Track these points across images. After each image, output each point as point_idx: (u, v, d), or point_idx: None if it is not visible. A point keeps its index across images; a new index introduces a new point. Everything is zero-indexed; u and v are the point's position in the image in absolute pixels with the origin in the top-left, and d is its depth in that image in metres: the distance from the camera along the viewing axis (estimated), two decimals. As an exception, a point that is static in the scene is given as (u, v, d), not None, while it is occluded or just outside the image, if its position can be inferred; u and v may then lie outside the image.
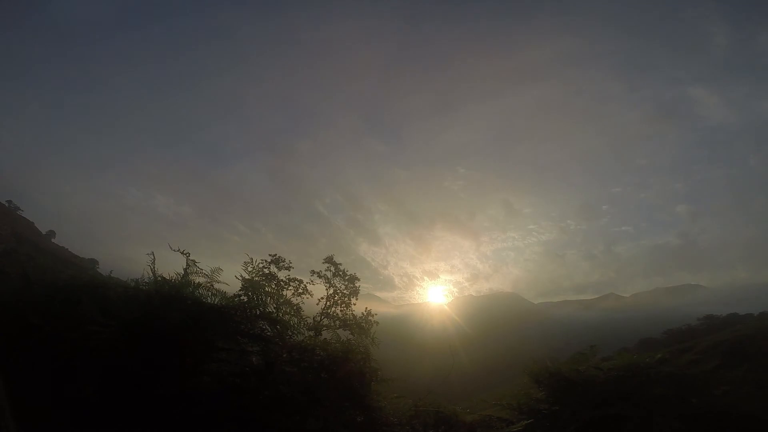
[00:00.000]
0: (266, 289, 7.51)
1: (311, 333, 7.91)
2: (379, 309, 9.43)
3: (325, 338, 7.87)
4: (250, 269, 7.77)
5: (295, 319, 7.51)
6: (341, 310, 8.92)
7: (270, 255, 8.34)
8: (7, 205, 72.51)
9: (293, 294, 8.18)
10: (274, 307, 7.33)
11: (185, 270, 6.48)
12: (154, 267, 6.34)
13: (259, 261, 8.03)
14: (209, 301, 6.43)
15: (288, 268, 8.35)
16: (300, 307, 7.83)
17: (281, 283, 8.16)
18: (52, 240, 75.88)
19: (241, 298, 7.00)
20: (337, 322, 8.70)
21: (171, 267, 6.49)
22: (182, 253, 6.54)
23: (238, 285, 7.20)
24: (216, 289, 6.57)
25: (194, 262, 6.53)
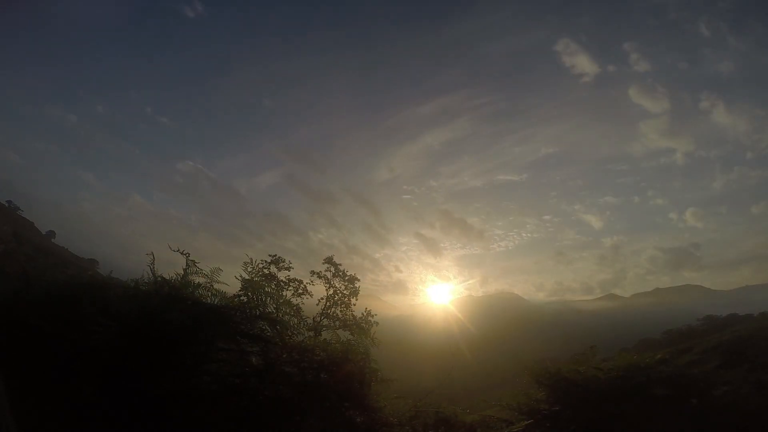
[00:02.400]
0: (266, 289, 7.51)
1: (311, 333, 7.90)
2: (381, 310, 9.40)
3: (325, 339, 7.86)
4: (249, 269, 7.77)
5: (295, 320, 7.50)
6: (341, 311, 8.90)
7: (270, 255, 8.33)
8: (7, 205, 72.51)
9: (293, 294, 8.17)
10: (274, 308, 7.32)
11: (185, 270, 6.48)
12: (153, 267, 6.34)
13: (259, 261, 8.02)
14: (209, 301, 6.43)
15: (288, 269, 8.35)
16: (300, 308, 7.82)
17: (281, 283, 8.15)
18: (52, 240, 75.87)
19: (241, 298, 7.00)
20: (337, 323, 8.68)
21: (172, 268, 6.50)
22: (182, 253, 6.53)
23: (239, 285, 7.20)
24: (216, 290, 6.57)
25: (194, 262, 6.52)
